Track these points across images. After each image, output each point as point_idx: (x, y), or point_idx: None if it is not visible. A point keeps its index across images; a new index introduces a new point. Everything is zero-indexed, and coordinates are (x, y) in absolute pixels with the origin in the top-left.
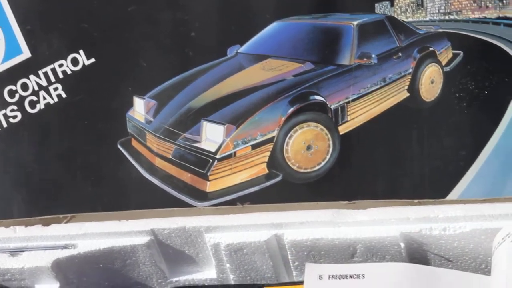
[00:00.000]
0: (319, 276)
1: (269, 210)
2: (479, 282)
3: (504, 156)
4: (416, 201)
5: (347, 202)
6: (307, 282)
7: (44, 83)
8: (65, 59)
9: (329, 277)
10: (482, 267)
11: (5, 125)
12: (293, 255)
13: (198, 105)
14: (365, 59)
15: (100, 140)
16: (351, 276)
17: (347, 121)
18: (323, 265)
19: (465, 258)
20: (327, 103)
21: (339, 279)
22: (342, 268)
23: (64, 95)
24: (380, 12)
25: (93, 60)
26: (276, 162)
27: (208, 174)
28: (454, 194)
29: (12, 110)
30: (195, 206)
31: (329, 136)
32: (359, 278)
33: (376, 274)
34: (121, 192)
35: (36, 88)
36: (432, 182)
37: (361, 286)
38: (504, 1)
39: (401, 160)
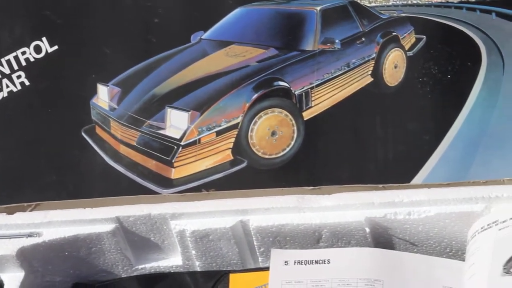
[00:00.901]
0: (285, 262)
1: (234, 196)
2: (444, 266)
3: (468, 140)
4: (381, 186)
5: (312, 187)
6: (272, 267)
7: (7, 71)
8: (28, 47)
9: (294, 262)
10: (447, 251)
11: None
12: (259, 241)
13: (162, 92)
14: (328, 44)
15: (64, 127)
16: (316, 262)
17: (311, 107)
18: (289, 250)
19: (430, 242)
20: (291, 88)
21: (305, 264)
22: (307, 253)
23: (27, 83)
24: None
25: (56, 47)
26: (241, 148)
27: (173, 161)
28: (418, 178)
29: None
30: (160, 193)
31: (293, 122)
32: (324, 263)
33: (341, 259)
34: (86, 179)
35: None
36: (396, 167)
37: (327, 271)
38: None
39: (365, 145)
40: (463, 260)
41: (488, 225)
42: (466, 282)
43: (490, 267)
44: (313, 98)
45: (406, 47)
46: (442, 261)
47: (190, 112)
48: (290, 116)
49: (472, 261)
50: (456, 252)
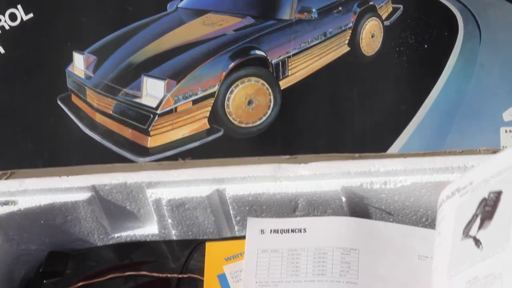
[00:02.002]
0: (261, 231)
1: (210, 165)
2: (419, 235)
3: (444, 110)
4: (357, 155)
5: (288, 156)
6: (249, 236)
7: None
8: (3, 14)
9: (271, 231)
10: (423, 220)
11: None
12: (235, 210)
13: (138, 60)
14: (305, 13)
15: (40, 96)
16: (292, 230)
17: (288, 76)
18: (265, 219)
19: (406, 211)
20: (268, 57)
21: (281, 233)
22: (283, 222)
23: (2, 51)
24: None
25: (31, 15)
26: (217, 117)
27: (149, 129)
28: (394, 147)
29: None
30: (136, 162)
31: (270, 91)
32: (300, 232)
33: (317, 228)
34: (62, 148)
35: None
36: (372, 136)
37: (303, 239)
38: None
39: (342, 115)
40: None
41: (452, 193)
42: (435, 251)
43: (452, 235)
44: (290, 67)
45: (383, 17)
46: (418, 230)
47: (166, 81)
48: (266, 85)
49: (439, 230)
50: (432, 221)
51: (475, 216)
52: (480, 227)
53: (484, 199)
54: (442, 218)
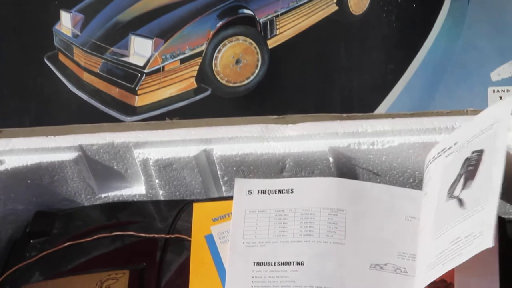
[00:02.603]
0: (248, 191)
1: (198, 125)
2: (406, 196)
3: (432, 70)
4: (345, 115)
5: (276, 116)
6: (236, 197)
7: None
8: None
9: (258, 191)
10: (410, 181)
11: None
12: (222, 170)
13: (126, 19)
14: None
15: (27, 54)
16: (280, 191)
17: (276, 35)
18: (252, 180)
19: (393, 172)
20: (256, 16)
21: (268, 193)
22: (271, 183)
23: None
24: None
25: None
26: (205, 76)
27: (137, 88)
28: (382, 107)
29: None
30: (123, 121)
31: (258, 50)
32: (287, 192)
33: (305, 189)
34: (49, 107)
35: None
36: (360, 96)
37: (290, 200)
38: None
39: (329, 74)
40: None
41: (438, 154)
42: (421, 212)
43: (438, 195)
44: (278, 27)
45: None
46: (405, 191)
47: (153, 40)
48: (254, 44)
49: (426, 190)
50: (419, 182)
51: (459, 176)
52: (463, 187)
53: (467, 159)
54: (429, 179)
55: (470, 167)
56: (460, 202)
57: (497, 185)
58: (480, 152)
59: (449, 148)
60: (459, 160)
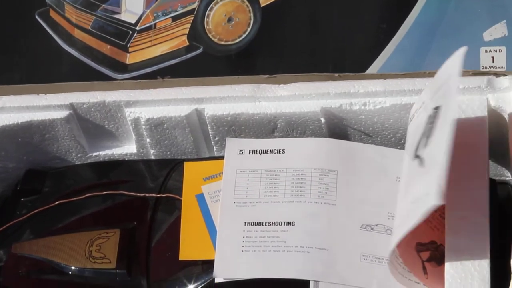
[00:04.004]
0: (240, 151)
1: (189, 84)
2: (398, 157)
3: (425, 30)
4: (336, 75)
5: (267, 76)
6: (227, 156)
7: None
8: None
9: (249, 151)
10: (402, 142)
11: None
12: (214, 130)
13: None
14: None
15: (18, 11)
16: (271, 151)
17: None
18: (244, 139)
19: (385, 133)
20: None
21: (260, 153)
22: (262, 143)
23: None
24: None
25: None
26: (196, 34)
27: (128, 46)
28: (374, 67)
29: None
30: (114, 79)
31: (250, 8)
32: (279, 153)
33: (296, 149)
34: (39, 64)
35: None
36: (352, 56)
37: (281, 160)
38: None
39: (321, 34)
40: None
41: (412, 115)
42: (401, 173)
43: (408, 155)
44: None
45: None
46: (397, 152)
47: None
48: (246, 2)
49: (405, 152)
50: None
51: (423, 135)
52: (424, 145)
53: (429, 116)
54: (406, 141)
55: (430, 125)
56: (420, 160)
57: (446, 140)
58: (437, 109)
59: (419, 108)
60: (424, 119)
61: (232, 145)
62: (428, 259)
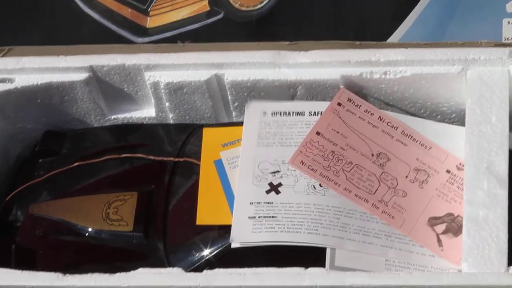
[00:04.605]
0: (263, 113)
1: (210, 49)
2: (417, 126)
3: (447, 0)
4: (357, 43)
5: (288, 43)
6: (247, 121)
7: None
8: None
9: (272, 113)
10: (421, 112)
11: None
12: (233, 95)
13: None
14: None
15: None
16: (293, 113)
17: None
18: (266, 102)
19: (405, 103)
20: None
21: (281, 115)
22: (284, 105)
23: None
24: None
25: None
26: None
27: (149, 9)
28: (395, 37)
29: None
30: (135, 43)
31: None
32: (299, 115)
33: (317, 112)
34: (60, 26)
35: None
36: (374, 25)
37: (302, 121)
38: None
39: (343, 2)
40: (437, 121)
41: None
42: None
43: None
44: None
45: None
46: (416, 120)
47: None
48: None
49: None
50: (431, 113)
51: None
52: None
53: None
54: None
55: None
56: None
57: None
58: None
59: None
60: None
61: (254, 108)
62: (444, 232)
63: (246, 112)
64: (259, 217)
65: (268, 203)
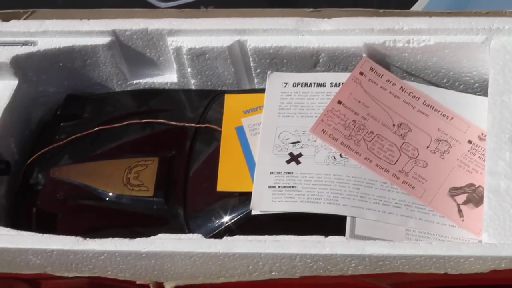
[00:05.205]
0: (284, 84)
1: (233, 15)
2: (439, 96)
3: None
4: (381, 11)
5: (311, 9)
6: (269, 89)
7: None
8: None
9: (293, 84)
10: (444, 81)
11: None
12: (256, 62)
13: None
14: None
15: None
16: (314, 85)
17: None
18: (287, 73)
19: (427, 72)
20: None
21: (302, 86)
22: (305, 76)
23: None
24: None
25: None
26: None
27: None
28: (418, 5)
29: None
30: (158, 7)
31: None
32: (320, 86)
33: (337, 83)
34: None
35: None
36: None
37: (323, 93)
38: None
39: None
40: (459, 91)
41: None
42: None
43: None
44: None
45: None
46: (438, 91)
47: None
48: None
49: None
50: (453, 83)
51: None
52: None
53: None
54: None
55: None
56: None
57: None
58: None
59: None
60: None
61: (275, 78)
62: (464, 202)
63: (268, 83)
64: (279, 186)
65: (288, 173)
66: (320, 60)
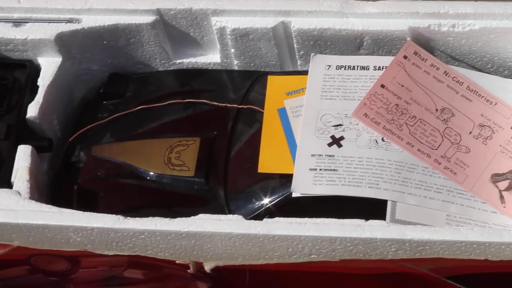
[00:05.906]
0: (327, 66)
1: None
2: (484, 81)
3: None
4: None
5: None
6: (312, 72)
7: None
8: None
9: (336, 67)
10: (488, 66)
11: None
12: (299, 44)
13: None
14: None
15: None
16: (356, 67)
17: None
18: (331, 56)
19: (472, 56)
20: None
21: (346, 69)
22: (348, 59)
23: None
24: None
25: None
26: None
27: None
28: None
29: None
30: None
31: None
32: (364, 69)
33: (381, 66)
34: None
35: None
36: None
37: (366, 76)
38: None
39: None
40: (504, 77)
41: None
42: None
43: None
44: None
45: None
46: (482, 76)
47: None
48: None
49: None
50: (498, 68)
51: None
52: None
53: None
54: None
55: None
56: None
57: None
58: None
59: None
60: None
61: (318, 60)
62: (506, 188)
63: (311, 65)
64: (320, 169)
65: (330, 156)
66: (364, 43)
